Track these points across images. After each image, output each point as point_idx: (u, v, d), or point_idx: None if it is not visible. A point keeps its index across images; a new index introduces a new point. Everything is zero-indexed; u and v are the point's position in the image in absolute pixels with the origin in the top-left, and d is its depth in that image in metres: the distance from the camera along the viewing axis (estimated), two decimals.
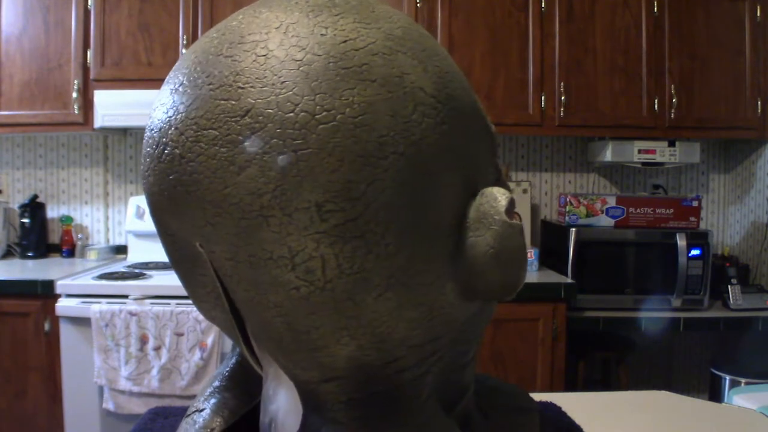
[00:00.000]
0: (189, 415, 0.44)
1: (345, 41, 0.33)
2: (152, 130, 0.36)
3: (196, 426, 0.43)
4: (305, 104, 0.32)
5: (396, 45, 0.35)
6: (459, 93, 0.37)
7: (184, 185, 0.34)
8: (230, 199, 0.32)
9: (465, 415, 0.42)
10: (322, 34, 0.34)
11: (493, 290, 0.37)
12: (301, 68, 0.32)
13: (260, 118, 0.32)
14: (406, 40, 0.35)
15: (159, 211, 0.37)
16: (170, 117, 0.34)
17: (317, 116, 0.32)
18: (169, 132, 0.34)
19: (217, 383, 0.45)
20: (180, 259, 0.38)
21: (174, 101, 0.35)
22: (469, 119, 0.37)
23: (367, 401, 0.36)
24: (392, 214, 0.33)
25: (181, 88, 0.35)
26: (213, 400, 0.44)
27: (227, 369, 0.45)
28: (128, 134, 2.97)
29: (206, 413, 0.43)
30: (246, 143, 0.32)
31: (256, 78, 0.33)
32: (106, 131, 2.82)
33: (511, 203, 0.36)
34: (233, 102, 0.32)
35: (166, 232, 0.37)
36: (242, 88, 0.33)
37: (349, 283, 0.33)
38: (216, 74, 0.33)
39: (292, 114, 0.32)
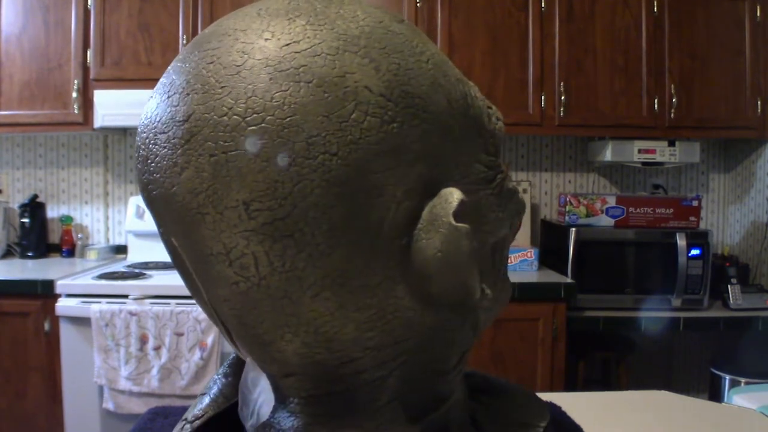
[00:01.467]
0: (196, 401, 0.46)
1: (287, 44, 0.34)
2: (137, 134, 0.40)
3: (194, 410, 0.44)
4: (237, 108, 0.33)
5: (346, 45, 0.35)
6: (425, 90, 0.36)
7: (151, 185, 0.37)
8: (176, 197, 0.35)
9: (443, 426, 0.40)
10: (266, 39, 0.35)
11: (447, 295, 0.36)
12: (239, 73, 0.34)
13: (198, 122, 0.34)
14: (361, 39, 0.35)
15: (148, 210, 0.40)
16: (142, 123, 0.37)
17: (247, 119, 0.33)
18: (141, 135, 0.37)
19: (221, 371, 0.47)
20: (172, 256, 0.40)
21: (148, 107, 0.38)
22: (438, 117, 0.36)
23: (325, 399, 0.37)
24: (323, 214, 0.33)
25: (155, 95, 0.37)
26: (214, 388, 0.45)
27: (231, 357, 0.47)
28: (128, 134, 2.97)
29: (206, 399, 0.44)
30: (185, 146, 0.34)
31: (201, 84, 0.34)
32: (106, 131, 2.83)
33: (461, 204, 0.35)
34: (181, 107, 0.35)
35: (158, 230, 0.40)
36: (188, 95, 0.35)
37: (283, 281, 0.34)
38: (175, 82, 0.36)
39: (225, 117, 0.33)
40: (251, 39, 0.35)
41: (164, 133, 0.35)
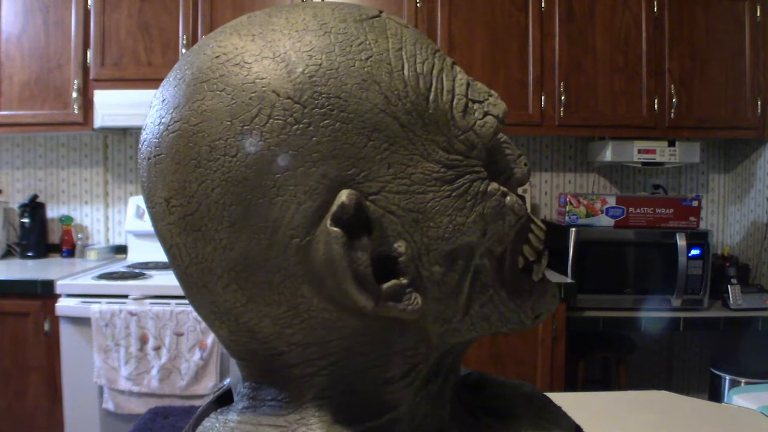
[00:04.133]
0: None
1: (218, 56, 0.38)
2: None
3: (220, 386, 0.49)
4: (166, 117, 0.38)
5: (267, 51, 0.37)
6: (348, 89, 0.36)
7: None
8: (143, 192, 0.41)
9: None
10: (204, 53, 0.38)
11: (340, 301, 0.36)
12: (178, 86, 0.38)
13: (146, 131, 0.39)
14: (285, 44, 0.37)
15: None
16: None
17: (169, 127, 0.37)
18: None
19: None
20: None
21: None
22: (362, 115, 0.36)
23: (265, 387, 0.40)
24: (223, 211, 0.36)
25: None
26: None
27: None
28: (128, 134, 2.97)
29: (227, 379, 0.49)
30: (139, 151, 0.40)
31: (158, 98, 0.39)
32: (106, 131, 2.82)
33: (340, 207, 0.35)
34: (145, 119, 0.40)
35: None
36: (151, 107, 0.40)
37: (199, 271, 0.38)
38: (155, 95, 0.41)
39: (158, 126, 0.38)
40: (198, 55, 0.39)
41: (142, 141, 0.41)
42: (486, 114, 0.40)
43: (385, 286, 0.36)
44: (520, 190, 0.50)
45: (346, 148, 0.36)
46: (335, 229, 0.35)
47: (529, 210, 0.47)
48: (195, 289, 0.39)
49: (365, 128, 0.36)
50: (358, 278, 0.35)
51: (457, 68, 0.41)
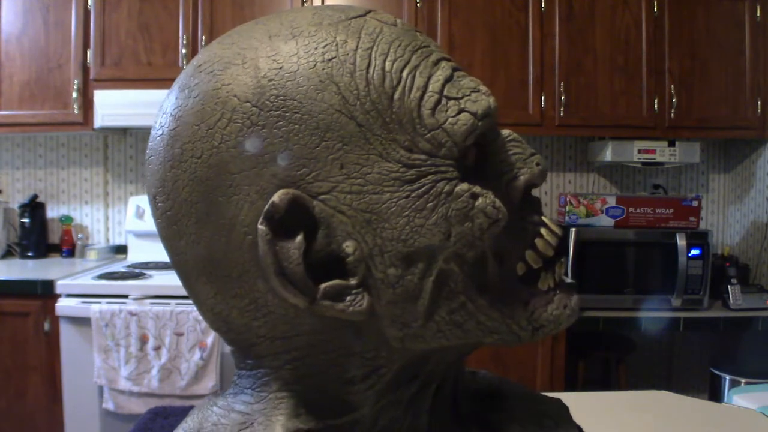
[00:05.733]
0: None
1: (199, 65, 0.40)
2: None
3: None
4: (157, 122, 0.41)
5: (236, 58, 0.39)
6: (304, 91, 0.37)
7: None
8: None
9: None
10: (192, 62, 0.41)
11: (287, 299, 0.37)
12: (169, 93, 0.42)
13: (150, 135, 0.42)
14: (253, 51, 0.39)
15: None
16: None
17: (157, 131, 0.41)
18: None
19: None
20: None
21: None
22: (316, 116, 0.37)
23: (245, 376, 0.43)
24: (190, 208, 0.39)
25: None
26: None
27: None
28: (128, 134, 2.97)
29: None
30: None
31: (161, 104, 0.43)
32: (106, 131, 2.82)
33: (271, 206, 0.36)
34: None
35: None
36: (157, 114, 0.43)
37: (180, 263, 0.41)
38: None
39: (153, 130, 0.41)
40: (190, 64, 0.42)
41: None
42: (461, 111, 0.38)
43: (324, 285, 0.37)
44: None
45: (298, 149, 0.36)
46: (261, 227, 0.36)
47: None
48: (183, 279, 0.42)
49: (318, 129, 0.37)
50: (288, 275, 0.36)
51: (443, 64, 0.40)
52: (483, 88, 0.40)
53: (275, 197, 0.36)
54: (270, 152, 0.37)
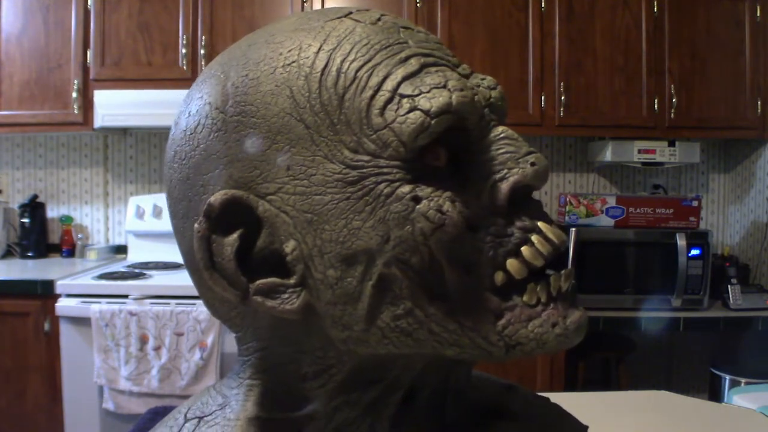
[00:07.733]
0: None
1: (199, 76, 0.44)
2: None
3: None
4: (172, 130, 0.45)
5: (219, 69, 0.42)
6: (260, 96, 0.39)
7: None
8: None
9: (293, 430, 0.41)
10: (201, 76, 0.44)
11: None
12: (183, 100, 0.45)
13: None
14: (232, 60, 0.41)
15: None
16: None
17: (169, 135, 0.45)
18: None
19: None
20: None
21: None
22: (268, 121, 0.38)
23: (237, 362, 0.45)
24: (177, 205, 0.42)
25: None
26: None
27: None
28: (128, 134, 2.97)
29: None
30: None
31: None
32: (106, 131, 2.82)
33: (208, 206, 0.38)
34: None
35: None
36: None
37: (184, 254, 0.44)
38: None
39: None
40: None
41: None
42: (413, 109, 0.36)
43: (258, 282, 0.38)
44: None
45: (252, 152, 0.39)
46: (196, 225, 0.38)
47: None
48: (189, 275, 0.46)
49: (270, 132, 0.38)
50: (219, 270, 0.38)
51: (413, 60, 0.38)
52: (452, 85, 0.37)
53: (212, 197, 0.38)
54: (229, 155, 0.39)
